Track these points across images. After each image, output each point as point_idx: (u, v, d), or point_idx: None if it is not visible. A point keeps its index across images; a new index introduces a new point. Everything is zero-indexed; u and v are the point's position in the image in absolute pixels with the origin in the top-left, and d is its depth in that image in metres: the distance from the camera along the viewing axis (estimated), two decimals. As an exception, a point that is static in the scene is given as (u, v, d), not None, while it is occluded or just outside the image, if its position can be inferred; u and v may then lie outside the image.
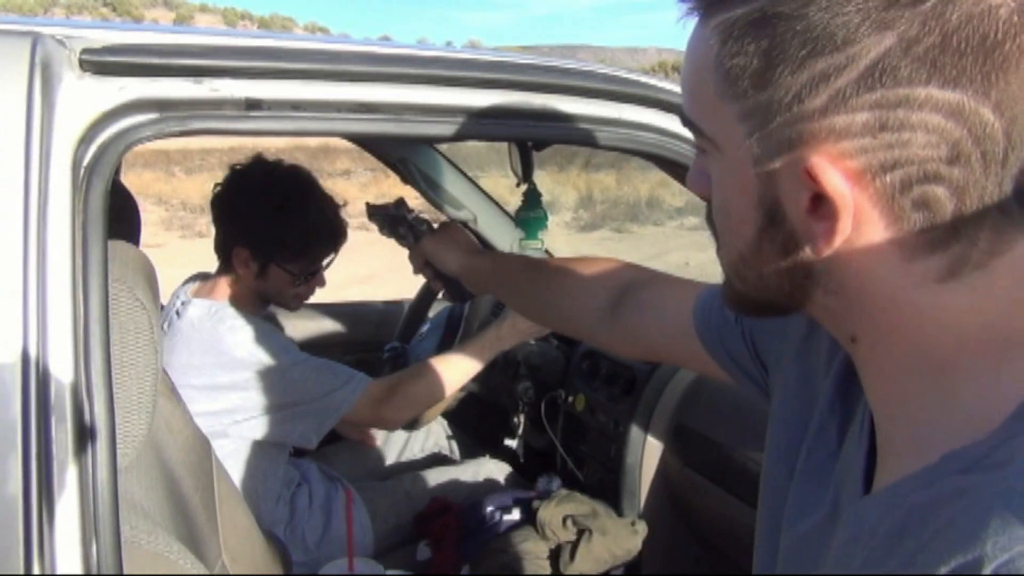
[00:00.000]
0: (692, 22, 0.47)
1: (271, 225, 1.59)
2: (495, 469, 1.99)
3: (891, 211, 0.42)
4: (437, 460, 2.12)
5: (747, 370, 0.76)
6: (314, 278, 1.69)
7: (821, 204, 0.43)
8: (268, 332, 1.58)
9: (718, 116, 0.46)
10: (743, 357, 0.76)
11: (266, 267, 1.62)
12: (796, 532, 0.57)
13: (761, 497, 0.66)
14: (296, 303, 1.71)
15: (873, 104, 0.40)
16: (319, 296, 1.80)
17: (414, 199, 1.78)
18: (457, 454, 2.17)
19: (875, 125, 0.41)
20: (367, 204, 1.37)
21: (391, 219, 1.31)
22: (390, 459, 2.10)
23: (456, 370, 1.68)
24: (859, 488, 0.51)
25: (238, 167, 1.68)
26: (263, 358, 1.53)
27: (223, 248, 1.66)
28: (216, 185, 1.67)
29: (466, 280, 1.21)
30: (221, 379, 1.52)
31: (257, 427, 1.57)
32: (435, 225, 1.31)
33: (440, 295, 1.29)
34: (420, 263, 1.28)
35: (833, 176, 0.42)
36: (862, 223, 0.43)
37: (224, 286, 1.65)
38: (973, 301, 0.43)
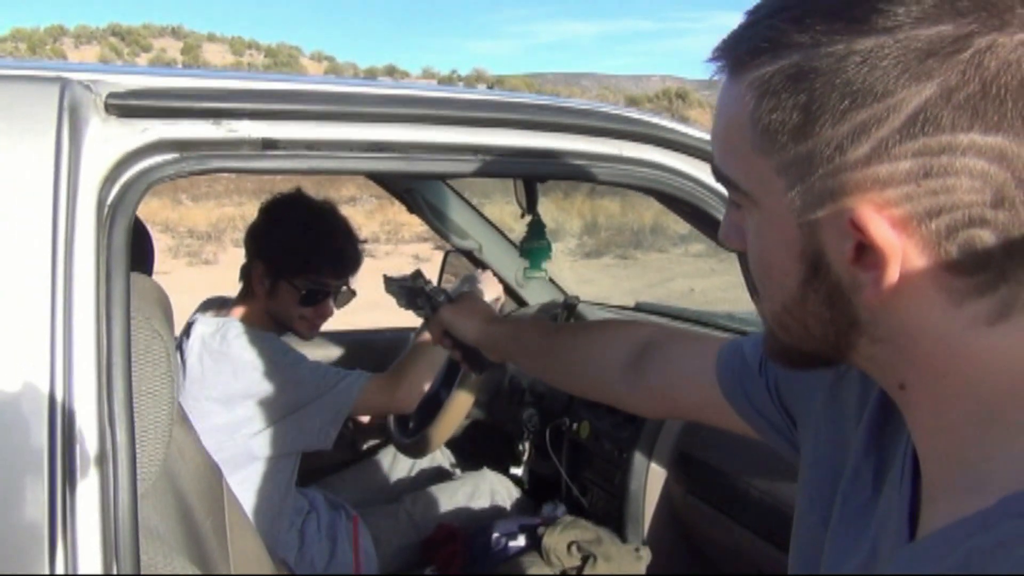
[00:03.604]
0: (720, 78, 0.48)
1: (281, 239, 1.68)
2: (495, 482, 2.02)
3: (938, 256, 0.42)
4: (437, 477, 2.14)
5: (773, 422, 0.75)
6: (321, 304, 1.73)
7: (865, 253, 0.43)
8: (270, 337, 1.65)
9: (755, 170, 0.47)
10: (768, 409, 0.75)
11: (276, 284, 1.68)
12: None
13: (793, 546, 0.66)
14: (304, 327, 1.74)
15: (916, 152, 0.41)
16: (328, 323, 1.84)
17: (418, 226, 1.82)
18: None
19: (919, 172, 0.41)
20: (384, 276, 1.38)
21: (409, 291, 1.31)
22: (392, 482, 2.13)
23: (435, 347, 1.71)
24: (903, 533, 0.50)
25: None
26: (270, 358, 1.60)
27: (245, 269, 1.74)
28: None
29: (485, 348, 1.18)
30: (235, 386, 1.57)
31: (276, 436, 1.61)
32: (452, 295, 1.31)
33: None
34: (439, 333, 1.26)
35: (880, 225, 0.42)
36: (909, 270, 0.43)
37: (239, 308, 1.72)
38: None
